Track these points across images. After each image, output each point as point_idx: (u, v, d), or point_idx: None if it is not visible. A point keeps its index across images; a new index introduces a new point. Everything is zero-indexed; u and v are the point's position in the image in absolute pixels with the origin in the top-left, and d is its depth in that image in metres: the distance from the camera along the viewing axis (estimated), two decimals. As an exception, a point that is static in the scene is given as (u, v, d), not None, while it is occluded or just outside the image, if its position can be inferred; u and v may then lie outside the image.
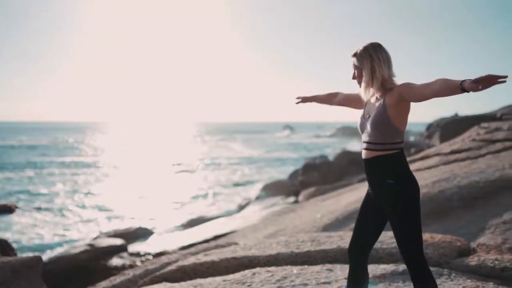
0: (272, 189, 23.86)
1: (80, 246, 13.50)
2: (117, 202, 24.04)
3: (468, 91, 2.04)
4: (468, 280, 3.71)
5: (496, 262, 4.00)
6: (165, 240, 15.74)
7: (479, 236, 5.88)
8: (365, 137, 2.59)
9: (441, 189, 7.01)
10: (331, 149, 51.09)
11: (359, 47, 2.58)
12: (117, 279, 5.00)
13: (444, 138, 15.63)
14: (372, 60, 2.50)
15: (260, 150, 65.08)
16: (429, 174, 8.18)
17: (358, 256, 2.70)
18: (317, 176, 24.45)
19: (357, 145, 55.53)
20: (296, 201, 19.75)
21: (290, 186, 23.92)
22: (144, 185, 30.14)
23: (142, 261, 12.69)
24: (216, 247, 5.26)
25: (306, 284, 3.73)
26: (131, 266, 12.36)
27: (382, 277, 3.78)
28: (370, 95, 2.59)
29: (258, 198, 22.88)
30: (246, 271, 4.07)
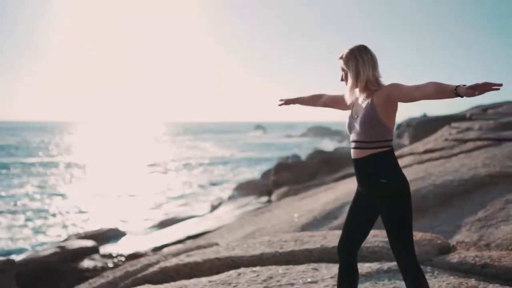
0: (245, 189, 23.85)
1: (49, 249, 13.13)
2: (87, 203, 23.55)
3: (462, 96, 2.09)
4: (451, 277, 3.77)
5: (477, 259, 4.08)
6: (138, 241, 15.51)
7: (455, 234, 6.02)
8: (354, 136, 2.61)
9: (417, 188, 7.12)
10: (303, 149, 51.44)
11: (345, 50, 2.63)
12: (96, 281, 4.86)
13: (415, 138, 15.95)
14: (357, 62, 2.54)
15: (232, 150, 65.00)
16: (404, 173, 8.31)
17: (347, 253, 2.72)
18: (289, 175, 24.52)
19: (329, 145, 56.15)
20: (269, 201, 19.79)
21: (262, 185, 23.93)
22: (115, 186, 29.61)
23: (114, 263, 12.45)
24: (198, 247, 5.18)
25: (292, 284, 3.71)
26: (103, 268, 12.10)
27: (368, 275, 3.80)
28: (355, 96, 2.64)
29: (230, 198, 22.83)
30: (231, 272, 4.03)
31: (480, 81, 2.04)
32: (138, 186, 29.95)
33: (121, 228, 17.29)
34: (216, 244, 5.51)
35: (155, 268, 4.41)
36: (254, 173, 35.34)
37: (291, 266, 4.14)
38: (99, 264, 12.43)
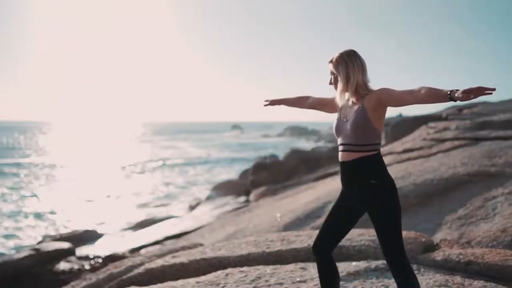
0: (223, 189, 23.79)
1: (23, 251, 12.82)
2: (62, 205, 23.08)
3: (455, 101, 2.14)
4: (437, 275, 3.81)
5: (461, 257, 4.14)
6: (115, 242, 15.30)
7: (437, 232, 6.12)
8: (343, 139, 2.63)
9: (398, 187, 7.14)
10: (280, 149, 51.60)
11: (335, 54, 2.67)
12: (79, 284, 4.74)
13: (393, 138, 16.17)
14: (347, 66, 2.58)
15: (210, 150, 64.75)
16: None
17: (325, 252, 2.73)
18: (267, 175, 24.56)
19: (306, 144, 56.47)
20: (247, 201, 19.80)
21: (240, 185, 23.91)
22: (91, 187, 29.12)
23: (91, 265, 12.24)
24: (183, 248, 5.11)
25: (281, 284, 3.70)
26: (80, 270, 11.89)
27: (356, 274, 3.82)
28: (345, 100, 2.68)
29: (208, 198, 22.74)
30: (219, 272, 3.99)
31: (471, 84, 2.10)
32: (114, 187, 29.52)
33: (98, 229, 17.01)
34: (201, 244, 5.46)
35: (140, 269, 4.33)
36: (231, 173, 35.27)
37: (278, 266, 4.12)
38: (76, 266, 12.21)
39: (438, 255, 4.27)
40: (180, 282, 3.86)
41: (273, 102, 3.20)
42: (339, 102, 2.69)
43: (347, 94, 2.63)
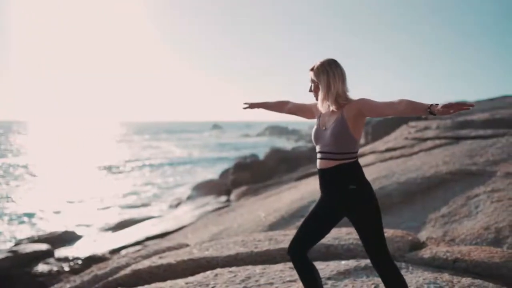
0: (203, 188, 23.68)
1: (0, 253, 12.50)
2: (40, 206, 22.60)
3: (435, 115, 2.23)
4: (426, 272, 3.84)
5: (448, 254, 4.19)
6: (94, 243, 15.06)
7: (421, 230, 6.18)
8: (322, 147, 2.68)
9: (382, 186, 7.26)
10: (261, 148, 51.63)
11: (316, 63, 2.71)
12: (62, 287, 4.62)
13: (374, 137, 16.31)
14: (328, 75, 2.62)
15: (190, 150, 64.34)
16: (367, 172, 8.45)
17: (301, 254, 2.73)
18: (248, 175, 24.57)
19: (286, 144, 56.61)
20: (228, 200, 19.74)
21: (221, 185, 23.82)
22: (70, 188, 28.61)
23: (70, 266, 12.01)
24: (169, 249, 5.04)
25: (272, 283, 3.67)
26: (59, 272, 11.66)
27: (346, 273, 3.81)
28: (325, 108, 2.71)
29: (189, 198, 22.59)
30: (207, 273, 3.93)
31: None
32: (94, 187, 29.07)
33: (77, 230, 16.72)
34: (187, 245, 5.39)
35: (127, 270, 4.24)
36: (212, 173, 35.09)
37: (267, 265, 4.09)
38: (55, 268, 11.96)
39: (426, 253, 4.30)
40: (168, 283, 3.79)
41: (252, 105, 3.24)
42: (319, 110, 2.74)
43: (326, 102, 2.67)
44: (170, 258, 4.38)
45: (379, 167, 8.55)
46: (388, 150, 10.23)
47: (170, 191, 28.04)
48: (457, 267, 4.07)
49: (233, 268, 4.02)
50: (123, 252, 13.21)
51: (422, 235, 5.81)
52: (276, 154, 28.22)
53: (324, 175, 2.66)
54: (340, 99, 2.63)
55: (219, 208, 17.19)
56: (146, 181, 32.53)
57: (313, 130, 2.78)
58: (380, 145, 11.55)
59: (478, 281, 3.67)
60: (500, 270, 3.97)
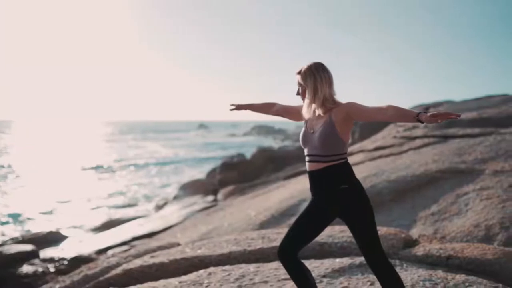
0: (190, 188, 23.54)
1: (-17, 254, 12.26)
2: (24, 206, 22.23)
3: (423, 123, 2.31)
4: (420, 270, 3.85)
5: (441, 251, 4.20)
6: (80, 244, 14.86)
7: (412, 228, 6.20)
8: (310, 150, 2.69)
9: (372, 184, 7.28)
10: (247, 148, 51.57)
11: (303, 66, 2.71)
12: (52, 287, 4.52)
13: (361, 137, 16.39)
14: (315, 79, 2.63)
15: (176, 149, 63.96)
16: (357, 170, 8.47)
17: (291, 256, 2.72)
18: (235, 174, 24.52)
19: (273, 143, 56.63)
20: (215, 200, 19.67)
21: (208, 185, 23.71)
22: (55, 188, 28.21)
23: (56, 267, 11.83)
24: (160, 248, 4.97)
25: (266, 282, 3.63)
26: (45, 273, 11.47)
27: (341, 271, 3.80)
28: (312, 112, 2.71)
29: (176, 197, 22.43)
30: (201, 271, 3.88)
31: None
32: (79, 187, 28.71)
33: (62, 231, 16.48)
34: (178, 244, 5.32)
35: (118, 270, 4.16)
36: (199, 172, 34.93)
37: (261, 264, 4.06)
38: (40, 269, 11.77)
39: (419, 251, 4.31)
40: (161, 282, 3.73)
41: (239, 107, 3.24)
42: (306, 114, 2.73)
43: (313, 106, 2.68)
44: (162, 257, 4.32)
45: (369, 166, 8.58)
46: (377, 148, 10.27)
47: (157, 191, 27.84)
48: (450, 264, 4.09)
49: (227, 267, 3.97)
50: (110, 252, 13.07)
51: (413, 233, 5.83)
52: (263, 154, 28.23)
53: (313, 177, 2.68)
54: (327, 102, 2.65)
55: (206, 208, 17.11)
56: (133, 181, 32.25)
57: (301, 133, 2.78)
58: (368, 144, 11.60)
59: (472, 278, 3.68)
60: (493, 266, 3.99)
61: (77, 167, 40.75)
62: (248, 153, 33.41)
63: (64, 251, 13.53)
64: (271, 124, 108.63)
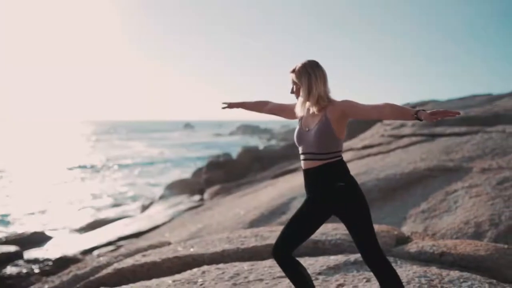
0: (176, 188, 23.42)
1: (-34, 256, 12.02)
2: (8, 207, 21.85)
3: (422, 120, 2.30)
4: (414, 266, 3.84)
5: (434, 248, 4.21)
6: (65, 244, 14.66)
7: (402, 226, 6.23)
8: (306, 148, 2.66)
9: (362, 182, 7.29)
10: (233, 147, 51.51)
11: (297, 64, 2.69)
12: (41, 287, 4.43)
13: (348, 135, 16.47)
14: (310, 77, 2.62)
15: (162, 149, 63.57)
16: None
17: (286, 255, 2.71)
18: (221, 174, 24.47)
19: (259, 143, 56.63)
20: (201, 199, 19.59)
21: (194, 184, 23.60)
22: (39, 188, 27.79)
23: (40, 268, 11.65)
24: (150, 247, 4.90)
25: (261, 280, 3.59)
26: (29, 274, 11.29)
27: (336, 268, 3.78)
28: (306, 110, 2.69)
29: (162, 197, 22.30)
30: (195, 270, 3.83)
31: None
32: (64, 188, 28.33)
33: (47, 231, 16.24)
34: (169, 243, 5.26)
35: (109, 270, 4.09)
36: (185, 172, 34.74)
37: (255, 262, 4.02)
38: (24, 270, 11.59)
39: (412, 247, 4.32)
40: (154, 281, 3.67)
41: (231, 105, 3.20)
42: (300, 111, 2.70)
43: (308, 104, 2.66)
44: (154, 256, 4.25)
45: (358, 164, 8.61)
46: (365, 147, 10.32)
47: (143, 191, 27.63)
48: (444, 260, 4.10)
49: (221, 265, 3.93)
50: (96, 252, 12.93)
51: (404, 231, 5.85)
52: (249, 153, 28.23)
53: (309, 175, 2.66)
54: (322, 100, 2.63)
55: (192, 207, 17.04)
56: (118, 181, 31.96)
57: (296, 131, 2.75)
58: (357, 142, 11.65)
59: (466, 274, 3.69)
60: (486, 263, 4.02)
61: (61, 167, 40.22)
62: (234, 152, 33.36)
63: (48, 252, 13.35)
64: (257, 124, 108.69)
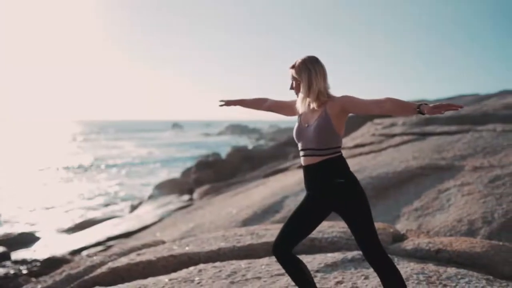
0: (165, 187, 23.29)
1: (-49, 257, 11.81)
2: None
3: (424, 114, 2.27)
4: (412, 263, 3.85)
5: (430, 245, 4.22)
6: (53, 245, 14.49)
7: (395, 223, 6.24)
8: (306, 144, 2.65)
9: (355, 180, 7.29)
10: (222, 147, 51.39)
11: (297, 60, 2.69)
12: (34, 287, 4.35)
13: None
14: (310, 72, 2.61)
15: (150, 149, 63.18)
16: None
17: (286, 252, 2.70)
18: (210, 173, 24.38)
19: (247, 143, 56.57)
20: (191, 199, 19.51)
21: (183, 184, 23.49)
22: (27, 188, 27.43)
23: (28, 269, 11.50)
24: (144, 246, 4.84)
25: (259, 278, 3.57)
26: (17, 275, 11.12)
27: (334, 266, 3.77)
28: (306, 105, 2.69)
29: (151, 197, 22.14)
30: (191, 268, 3.79)
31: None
32: (52, 188, 28.00)
33: (35, 232, 16.04)
34: (163, 242, 5.20)
35: (104, 269, 4.02)
36: (174, 172, 34.55)
37: (252, 260, 3.99)
38: (12, 271, 11.42)
39: (408, 245, 4.32)
40: (151, 280, 3.62)
41: (229, 103, 3.18)
42: (301, 107, 2.70)
43: (308, 100, 2.65)
44: (149, 254, 4.20)
45: (350, 163, 8.54)
46: (356, 146, 10.35)
47: (131, 191, 27.42)
48: (440, 257, 4.11)
49: (217, 263, 3.89)
50: (85, 253, 12.80)
51: (398, 228, 5.86)
52: (238, 153, 28.19)
53: (309, 171, 2.64)
54: (322, 96, 2.62)
55: (182, 207, 16.95)
56: (107, 181, 31.67)
57: (295, 127, 2.74)
58: (348, 141, 11.68)
59: (463, 271, 3.70)
60: (482, 259, 4.03)
61: (50, 167, 39.75)
62: (223, 152, 33.25)
63: (36, 252, 13.20)
64: (245, 124, 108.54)
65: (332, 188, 2.56)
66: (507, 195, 5.86)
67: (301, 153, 2.68)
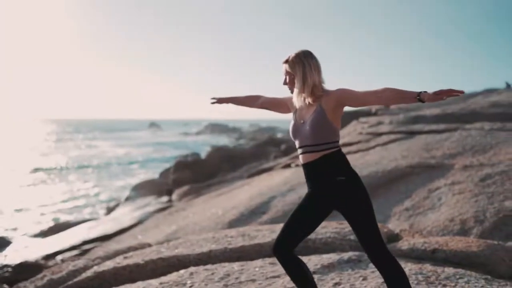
0: (143, 189, 22.82)
1: None
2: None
3: (424, 102, 2.22)
4: (409, 264, 3.76)
5: (426, 245, 4.14)
6: (25, 249, 14.01)
7: (387, 223, 6.16)
8: (303, 141, 2.59)
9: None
10: (201, 147, 50.98)
11: (291, 54, 2.63)
12: (11, 294, 4.08)
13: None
14: (304, 67, 2.56)
15: (127, 149, 62.19)
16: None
17: (285, 252, 2.64)
18: (190, 174, 24.02)
19: (227, 142, 56.23)
20: (170, 200, 19.19)
21: (162, 185, 23.08)
22: (-2, 190, 26.60)
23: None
24: (129, 249, 4.61)
25: (254, 280, 3.41)
26: (-12, 281, 10.69)
27: (331, 267, 3.64)
28: (302, 100, 2.63)
29: (128, 199, 21.67)
30: (182, 271, 3.60)
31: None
32: (25, 190, 27.23)
33: (6, 236, 15.51)
34: (149, 244, 4.98)
35: (89, 273, 3.80)
36: (152, 172, 34.02)
37: (245, 262, 3.83)
38: (-18, 277, 10.95)
39: (403, 245, 4.23)
40: (140, 284, 3.43)
41: (220, 100, 3.11)
42: (297, 103, 2.64)
43: (303, 95, 2.60)
44: (136, 258, 3.99)
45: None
46: (344, 145, 10.26)
47: (108, 192, 26.84)
48: (436, 257, 4.03)
49: (209, 266, 3.72)
50: (59, 257, 12.40)
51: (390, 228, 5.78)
52: (218, 153, 27.85)
53: (309, 169, 2.57)
54: (317, 90, 2.57)
55: (161, 209, 16.62)
56: (82, 183, 30.97)
57: (291, 125, 2.68)
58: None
59: (461, 271, 3.63)
60: (478, 259, 3.97)
61: (22, 168, 38.64)
62: (203, 152, 32.93)
63: (8, 257, 12.72)
64: (225, 123, 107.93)
65: (332, 186, 2.49)
66: (498, 194, 5.84)
67: (299, 151, 2.62)
